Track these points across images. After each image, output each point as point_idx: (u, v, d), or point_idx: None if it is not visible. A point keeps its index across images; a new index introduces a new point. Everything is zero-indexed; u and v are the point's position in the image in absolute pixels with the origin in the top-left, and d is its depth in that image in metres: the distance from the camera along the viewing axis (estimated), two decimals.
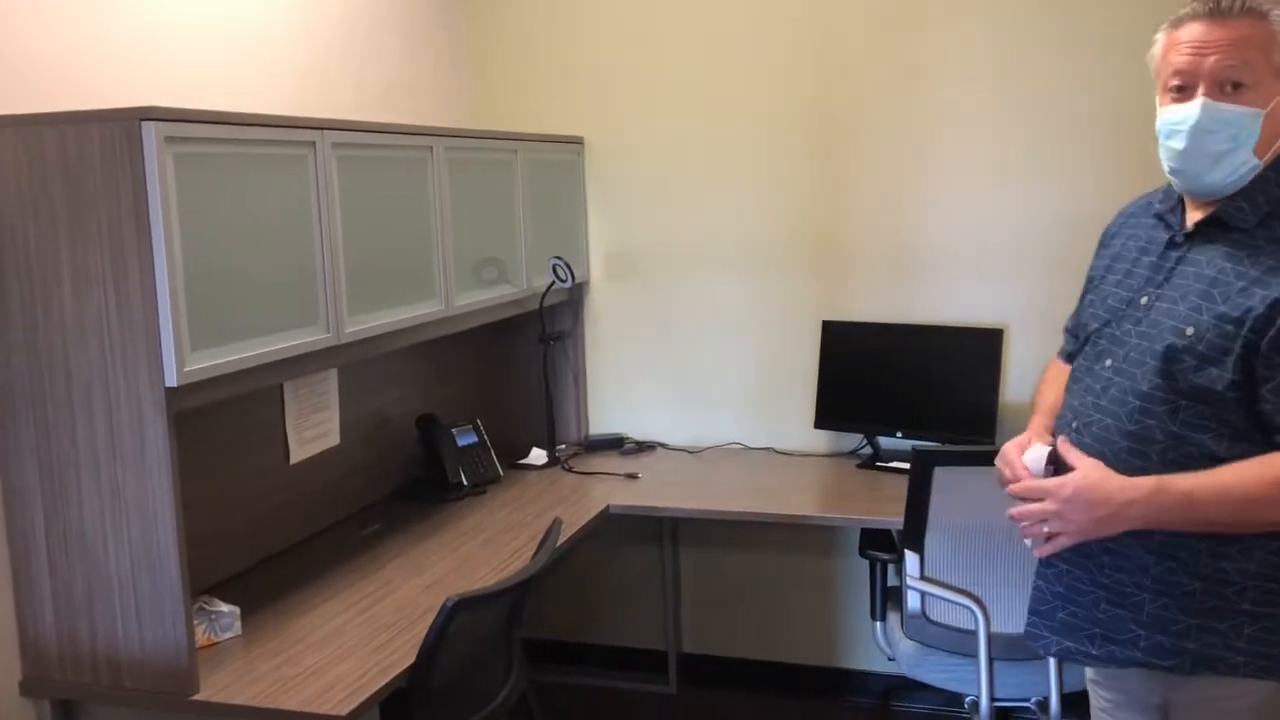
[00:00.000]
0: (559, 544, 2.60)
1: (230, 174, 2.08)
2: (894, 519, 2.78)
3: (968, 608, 2.62)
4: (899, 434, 3.40)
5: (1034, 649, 1.87)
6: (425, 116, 3.51)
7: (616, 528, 3.58)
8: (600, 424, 3.84)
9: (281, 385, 2.75)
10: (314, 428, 2.91)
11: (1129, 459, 1.68)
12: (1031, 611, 1.87)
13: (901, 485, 2.69)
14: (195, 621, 2.21)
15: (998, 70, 3.34)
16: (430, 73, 3.57)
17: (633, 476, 3.39)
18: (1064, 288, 3.33)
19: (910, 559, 2.67)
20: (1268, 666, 1.64)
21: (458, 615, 2.11)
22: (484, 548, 2.82)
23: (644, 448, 3.70)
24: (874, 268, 3.52)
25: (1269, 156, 1.66)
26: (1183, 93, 1.67)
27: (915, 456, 2.64)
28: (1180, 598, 1.67)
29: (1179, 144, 1.67)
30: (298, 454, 2.85)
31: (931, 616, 2.72)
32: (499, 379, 3.81)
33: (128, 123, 1.88)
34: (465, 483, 3.27)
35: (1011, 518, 1.77)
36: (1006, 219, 3.38)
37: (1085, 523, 1.67)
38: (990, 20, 3.32)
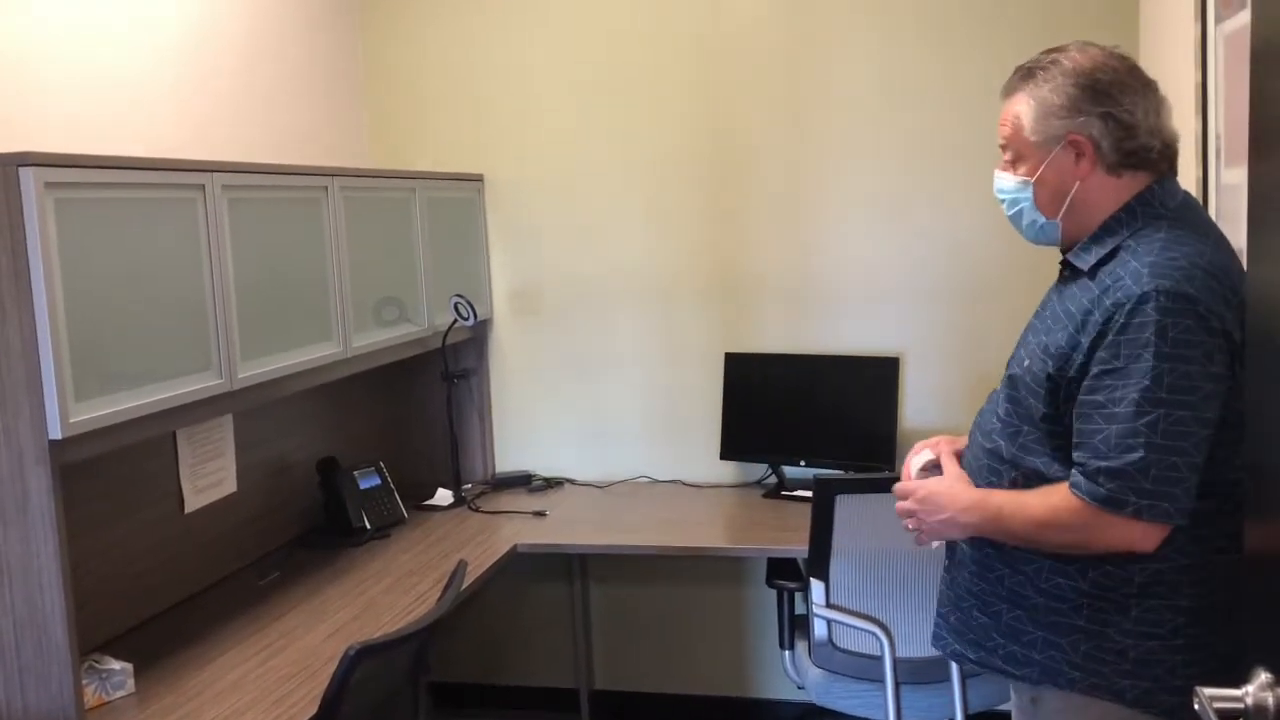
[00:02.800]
0: (465, 586, 2.56)
1: (115, 220, 2.03)
2: (799, 548, 2.81)
3: (873, 633, 2.66)
4: (802, 463, 3.44)
5: (936, 648, 1.94)
6: (321, 156, 3.47)
7: (525, 566, 3.55)
8: (507, 462, 3.81)
9: (174, 433, 2.68)
10: (209, 476, 2.83)
11: (987, 475, 1.81)
12: (936, 612, 1.95)
13: (806, 514, 2.72)
14: (85, 681, 2.13)
15: (892, 106, 3.43)
16: (325, 111, 3.54)
17: (540, 514, 3.37)
18: (956, 316, 3.44)
19: (816, 587, 2.70)
20: (1097, 685, 1.69)
21: (360, 663, 2.06)
22: (388, 593, 2.77)
23: (552, 484, 3.68)
24: (774, 300, 3.57)
25: (1064, 210, 1.75)
26: None
27: (817, 485, 2.68)
28: (1029, 610, 1.75)
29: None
30: (192, 503, 2.77)
31: (838, 643, 2.74)
32: (402, 419, 3.76)
33: (5, 168, 1.83)
34: (368, 526, 3.21)
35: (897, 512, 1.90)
36: (901, 250, 3.47)
37: (933, 524, 1.82)
38: (883, 58, 3.42)
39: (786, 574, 2.96)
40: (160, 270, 2.15)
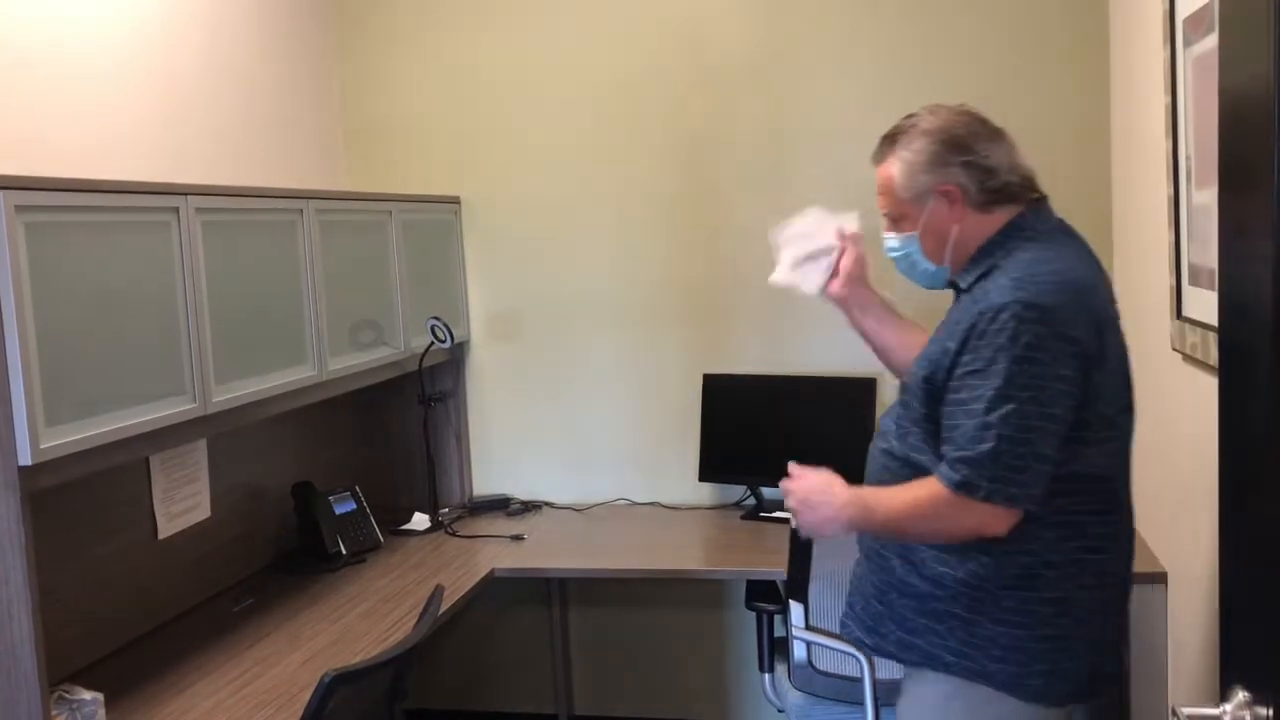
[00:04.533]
0: (442, 611, 2.54)
1: (88, 243, 2.01)
2: (778, 569, 2.80)
3: (853, 655, 2.65)
4: (780, 484, 3.43)
5: (842, 634, 2.14)
6: (297, 179, 3.46)
7: (503, 590, 3.53)
8: (485, 485, 3.79)
9: (147, 458, 2.65)
10: (183, 501, 2.80)
11: (881, 474, 1.99)
12: (846, 601, 2.14)
13: (785, 535, 2.71)
14: (55, 712, 2.09)
15: (866, 129, 3.43)
16: (302, 134, 3.53)
17: (518, 538, 3.35)
18: None
19: (795, 609, 2.69)
20: (971, 669, 1.88)
21: (336, 690, 2.04)
22: (364, 619, 2.75)
23: (530, 508, 3.66)
24: (751, 321, 3.58)
25: (949, 253, 1.95)
26: None
27: None
28: (914, 599, 1.93)
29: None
30: (166, 529, 2.75)
31: (818, 666, 2.73)
32: (378, 443, 3.74)
33: None
34: (344, 552, 3.18)
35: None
36: (876, 272, 3.47)
37: (813, 520, 1.96)
38: (859, 82, 3.44)
39: (766, 596, 2.95)
40: (134, 294, 2.14)
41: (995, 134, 1.94)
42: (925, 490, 1.84)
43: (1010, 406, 1.74)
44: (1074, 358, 1.76)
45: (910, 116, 1.98)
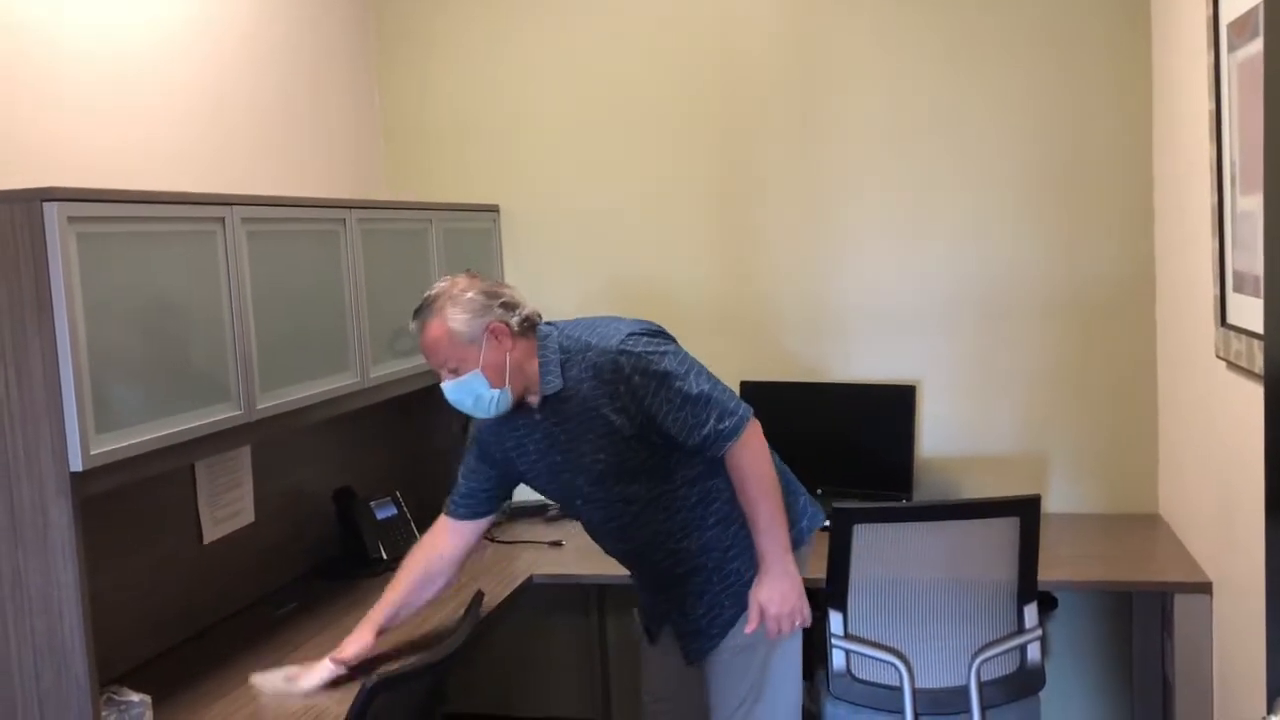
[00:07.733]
0: (482, 617, 2.56)
1: (136, 253, 2.05)
2: (817, 577, 2.79)
3: (892, 664, 2.64)
4: (819, 491, 3.42)
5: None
6: (339, 188, 3.50)
7: (541, 596, 3.54)
8: (523, 491, 3.79)
9: (193, 464, 2.69)
10: (227, 506, 2.84)
11: (645, 511, 2.48)
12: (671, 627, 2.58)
13: (824, 543, 2.71)
14: (104, 713, 2.13)
15: (907, 132, 3.45)
16: (342, 143, 3.57)
17: (556, 544, 3.36)
18: (971, 344, 3.44)
19: (834, 617, 2.68)
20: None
21: (378, 695, 2.05)
22: (404, 624, 2.76)
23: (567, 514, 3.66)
24: (790, 328, 3.58)
25: (508, 377, 2.31)
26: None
27: (835, 515, 2.66)
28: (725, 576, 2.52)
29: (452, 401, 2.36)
30: (211, 534, 2.78)
31: (857, 674, 2.72)
32: (418, 449, 3.76)
33: (29, 203, 1.85)
34: (385, 557, 3.21)
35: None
36: (916, 277, 3.47)
37: (788, 606, 2.38)
38: (897, 85, 3.44)
39: None
40: (180, 302, 2.17)
41: (502, 283, 2.41)
42: (748, 480, 2.34)
43: (692, 376, 2.31)
44: (671, 339, 2.38)
45: (434, 289, 2.34)
